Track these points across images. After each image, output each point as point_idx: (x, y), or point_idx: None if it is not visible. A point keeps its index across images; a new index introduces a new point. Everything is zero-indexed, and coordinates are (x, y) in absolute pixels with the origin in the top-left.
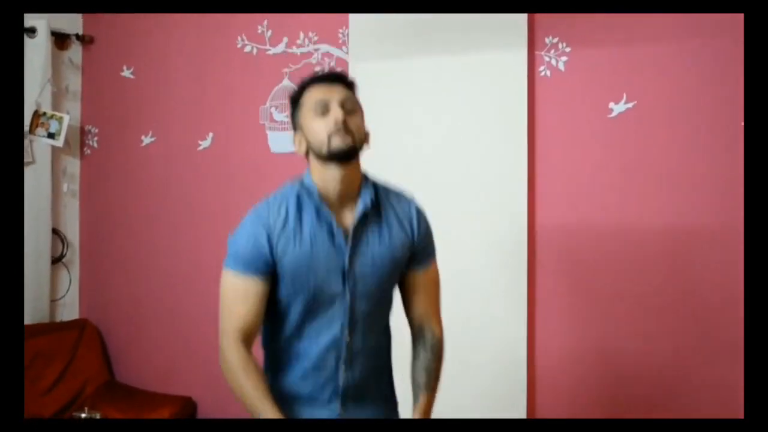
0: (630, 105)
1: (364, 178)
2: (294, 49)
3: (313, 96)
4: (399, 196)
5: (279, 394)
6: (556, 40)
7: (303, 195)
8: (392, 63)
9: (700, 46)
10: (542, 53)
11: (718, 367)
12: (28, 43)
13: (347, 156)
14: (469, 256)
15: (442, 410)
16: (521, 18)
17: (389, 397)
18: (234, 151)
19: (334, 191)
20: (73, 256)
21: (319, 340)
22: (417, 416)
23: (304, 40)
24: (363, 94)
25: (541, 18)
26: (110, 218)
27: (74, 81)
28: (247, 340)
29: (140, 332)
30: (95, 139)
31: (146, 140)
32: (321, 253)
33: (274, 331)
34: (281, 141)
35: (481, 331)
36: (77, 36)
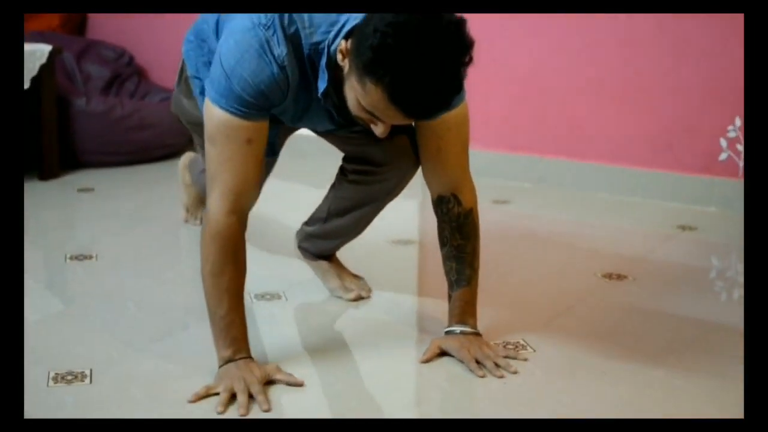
0: None
1: None
2: None
3: (375, 103)
4: None
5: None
6: None
7: (317, 65)
8: None
9: None
10: None
11: None
12: None
13: None
14: None
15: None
16: None
17: None
18: None
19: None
20: None
21: None
22: (455, 325)
23: None
24: None
25: None
26: None
27: None
28: (243, 211)
29: None
30: None
31: None
32: (313, 119)
33: None
34: None
35: None
36: None
